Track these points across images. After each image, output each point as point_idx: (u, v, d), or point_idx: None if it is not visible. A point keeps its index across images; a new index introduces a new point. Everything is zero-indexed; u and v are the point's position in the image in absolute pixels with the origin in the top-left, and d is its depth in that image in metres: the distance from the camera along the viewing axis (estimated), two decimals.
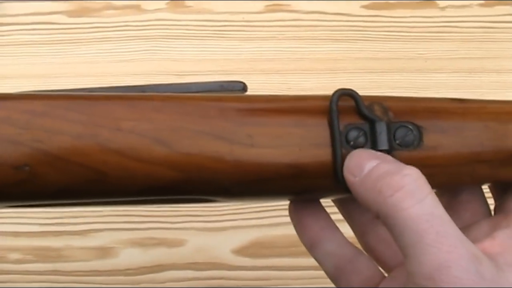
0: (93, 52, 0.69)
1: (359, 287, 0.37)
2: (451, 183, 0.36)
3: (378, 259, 0.38)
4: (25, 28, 0.71)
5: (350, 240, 0.38)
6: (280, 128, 0.34)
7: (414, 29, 0.72)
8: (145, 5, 0.72)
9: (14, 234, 0.58)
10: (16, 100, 0.32)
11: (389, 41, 0.71)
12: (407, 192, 0.31)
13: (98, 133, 0.32)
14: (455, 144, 0.35)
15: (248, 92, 0.38)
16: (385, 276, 0.38)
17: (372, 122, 0.34)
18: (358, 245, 0.39)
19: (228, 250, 0.58)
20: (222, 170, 0.33)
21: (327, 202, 0.39)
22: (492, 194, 0.40)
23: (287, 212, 0.39)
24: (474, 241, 0.32)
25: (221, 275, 0.57)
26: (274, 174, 0.34)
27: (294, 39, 0.71)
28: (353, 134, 0.34)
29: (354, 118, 0.35)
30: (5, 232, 0.58)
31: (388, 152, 0.34)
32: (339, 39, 0.71)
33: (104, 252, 0.58)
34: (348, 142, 0.34)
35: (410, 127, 0.35)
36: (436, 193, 0.32)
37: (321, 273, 0.39)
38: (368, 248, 0.39)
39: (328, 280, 0.38)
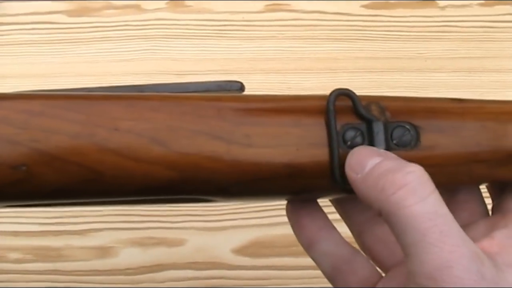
0: (93, 51, 0.69)
1: (356, 287, 0.37)
2: (448, 183, 0.36)
3: (375, 259, 0.38)
4: (25, 28, 0.71)
5: (347, 240, 0.38)
6: (278, 128, 0.34)
7: (414, 29, 0.72)
8: (145, 4, 0.72)
9: (14, 234, 0.58)
10: (13, 100, 0.32)
11: (389, 40, 0.71)
12: (410, 189, 0.31)
13: (95, 133, 0.32)
14: (452, 144, 0.35)
15: (248, 92, 0.38)
16: (382, 276, 0.38)
17: (369, 122, 0.34)
18: (356, 245, 0.39)
19: (228, 250, 0.58)
20: (220, 170, 0.33)
21: (324, 202, 0.39)
22: (490, 194, 0.40)
23: None
24: (472, 241, 0.32)
25: (221, 274, 0.57)
26: (271, 174, 0.34)
27: (294, 39, 0.71)
28: (350, 134, 0.34)
29: (351, 118, 0.35)
30: (5, 231, 0.58)
31: None
32: (339, 39, 0.71)
33: (104, 251, 0.58)
34: (345, 142, 0.34)
35: (407, 127, 0.35)
36: None
37: (321, 272, 0.39)
38: (366, 247, 0.39)
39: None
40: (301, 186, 0.35)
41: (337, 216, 0.40)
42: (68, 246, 0.58)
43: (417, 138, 0.35)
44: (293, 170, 0.34)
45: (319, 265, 0.38)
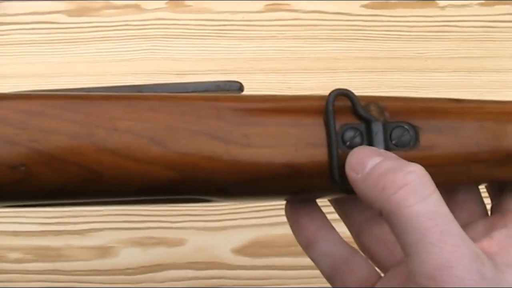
0: (93, 51, 0.69)
1: (355, 287, 0.37)
2: (447, 183, 0.36)
3: (374, 259, 0.38)
4: (25, 28, 0.71)
5: (346, 240, 0.38)
6: (277, 128, 0.34)
7: (414, 29, 0.72)
8: (145, 4, 0.72)
9: (14, 234, 0.58)
10: (12, 100, 0.32)
11: (389, 40, 0.71)
12: (410, 189, 0.31)
13: (94, 133, 0.32)
14: (451, 144, 0.35)
15: (248, 92, 0.38)
16: (381, 276, 0.38)
17: (368, 122, 0.34)
18: (355, 245, 0.39)
19: (228, 250, 0.58)
20: (219, 170, 0.33)
21: (323, 202, 0.39)
22: (489, 194, 0.40)
23: None
24: (472, 241, 0.32)
25: (221, 274, 0.57)
26: (270, 174, 0.34)
27: (294, 39, 0.71)
28: (349, 134, 0.34)
29: (350, 118, 0.35)
30: (5, 231, 0.59)
31: None
32: (339, 39, 0.71)
33: (103, 251, 0.58)
34: (344, 142, 0.34)
35: (406, 127, 0.35)
36: None
37: (320, 273, 0.39)
38: (364, 247, 0.39)
39: None
40: (300, 186, 0.35)
41: (336, 216, 0.40)
42: (68, 246, 0.58)
43: (416, 138, 0.35)
44: (292, 170, 0.34)
45: (318, 265, 0.38)
